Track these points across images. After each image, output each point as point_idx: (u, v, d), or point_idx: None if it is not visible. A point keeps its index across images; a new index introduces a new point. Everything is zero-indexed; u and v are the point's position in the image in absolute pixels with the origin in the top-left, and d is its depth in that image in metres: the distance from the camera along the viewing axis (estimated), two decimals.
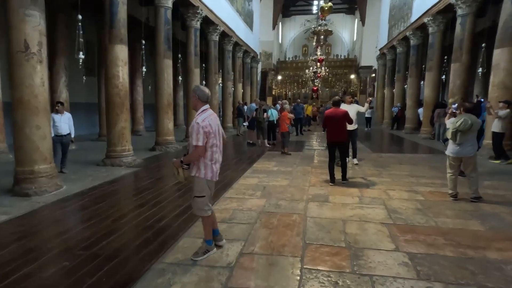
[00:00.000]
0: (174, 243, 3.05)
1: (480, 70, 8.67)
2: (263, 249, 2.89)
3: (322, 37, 11.53)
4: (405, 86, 15.30)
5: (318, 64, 16.90)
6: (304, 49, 32.18)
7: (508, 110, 6.58)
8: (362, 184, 5.20)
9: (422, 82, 13.56)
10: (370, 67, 23.65)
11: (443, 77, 10.73)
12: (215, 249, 2.86)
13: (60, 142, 6.03)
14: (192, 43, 10.98)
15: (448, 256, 2.71)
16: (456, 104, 4.79)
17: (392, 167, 6.58)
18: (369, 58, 23.43)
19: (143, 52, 8.12)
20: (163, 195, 4.72)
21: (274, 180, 5.60)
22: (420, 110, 13.19)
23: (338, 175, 5.38)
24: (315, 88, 20.50)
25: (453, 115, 4.70)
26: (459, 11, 9.19)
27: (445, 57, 10.64)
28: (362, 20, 24.31)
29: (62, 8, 8.70)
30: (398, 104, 15.40)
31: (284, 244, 2.98)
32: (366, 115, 15.53)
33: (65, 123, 6.08)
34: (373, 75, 22.92)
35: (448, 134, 4.28)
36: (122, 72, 6.86)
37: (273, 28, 26.63)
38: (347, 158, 5.66)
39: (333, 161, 5.26)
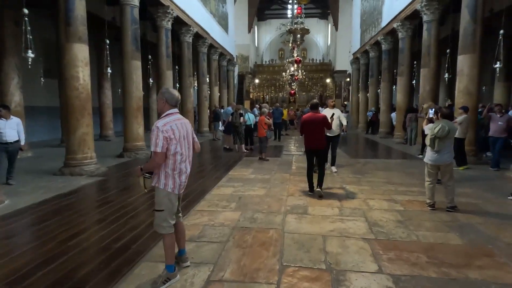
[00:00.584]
0: (130, 270, 2.63)
1: (446, 75, 8.89)
2: (234, 275, 2.55)
3: (298, 36, 11.10)
4: (379, 90, 15.61)
5: (296, 66, 16.68)
6: (280, 52, 32.33)
7: (465, 116, 6.58)
8: (342, 194, 5.00)
9: (394, 87, 13.87)
10: (345, 71, 24.09)
11: (414, 82, 10.97)
12: (178, 276, 2.48)
13: (5, 151, 5.36)
14: (163, 44, 10.48)
15: (432, 277, 2.52)
16: (433, 110, 4.70)
17: (371, 174, 6.48)
18: (343, 62, 23.85)
19: (108, 52, 7.52)
20: (125, 209, 4.24)
21: (250, 189, 5.27)
22: (393, 115, 13.46)
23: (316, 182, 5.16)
24: (292, 91, 20.45)
25: (430, 120, 4.64)
26: (425, 17, 9.43)
27: (415, 62, 10.88)
28: (335, 25, 24.76)
29: (11, 3, 7.89)
30: (373, 108, 15.68)
31: (258, 268, 2.66)
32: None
33: (11, 128, 5.40)
34: (348, 79, 23.36)
35: (427, 141, 4.17)
36: (82, 73, 6.27)
37: (249, 31, 26.46)
38: (325, 165, 5.34)
39: (311, 169, 4.96)
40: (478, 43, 7.32)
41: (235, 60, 22.66)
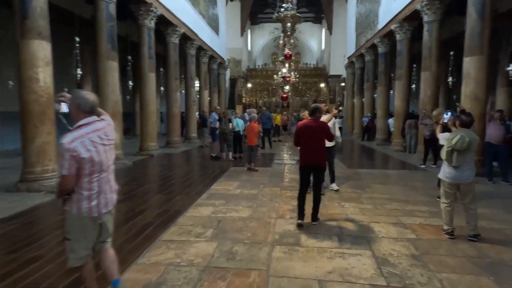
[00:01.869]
0: None
1: (450, 79, 8.29)
2: None
3: (289, 24, 9.62)
4: (375, 95, 15.03)
5: (287, 65, 15.58)
6: (273, 57, 31.70)
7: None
8: (341, 215, 4.25)
9: (391, 91, 13.30)
10: (339, 76, 23.57)
11: (413, 86, 10.38)
12: None
13: None
14: (145, 44, 9.70)
15: None
16: (449, 114, 3.99)
17: (371, 188, 5.75)
18: (337, 67, 23.34)
19: (77, 51, 6.70)
20: None
21: (233, 209, 4.49)
22: (390, 121, 12.85)
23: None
24: (284, 95, 19.69)
25: (445, 128, 3.94)
26: (425, 18, 8.86)
27: (414, 65, 10.31)
28: (329, 29, 24.30)
29: None
30: (369, 114, 15.07)
31: None
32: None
33: None
34: (342, 84, 22.82)
35: (443, 154, 3.46)
36: (43, 75, 5.46)
37: (241, 34, 25.85)
38: (322, 187, 4.22)
39: (305, 190, 3.91)
40: (486, 44, 6.72)
41: (226, 63, 21.98)
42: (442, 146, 3.83)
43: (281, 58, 16.05)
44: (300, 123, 4.00)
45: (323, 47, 29.87)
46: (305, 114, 5.11)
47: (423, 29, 9.91)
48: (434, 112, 4.93)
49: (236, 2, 24.92)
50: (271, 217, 4.18)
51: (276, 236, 3.53)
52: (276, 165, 8.52)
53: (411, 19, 10.24)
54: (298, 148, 4.08)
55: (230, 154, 9.25)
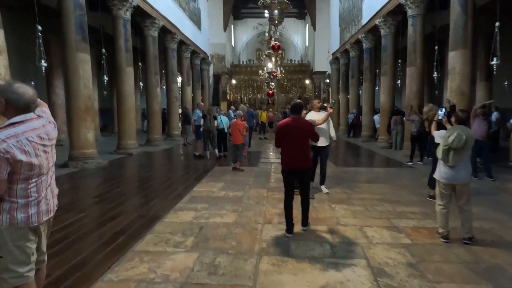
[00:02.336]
0: None
1: (435, 74, 8.23)
2: None
3: (276, 12, 8.72)
4: (360, 91, 15.00)
5: (273, 60, 14.97)
6: (258, 53, 31.37)
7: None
8: (332, 219, 3.99)
9: (377, 88, 13.26)
10: (324, 72, 23.50)
11: (398, 82, 10.33)
12: None
13: None
14: (121, 36, 9.14)
15: None
16: (443, 110, 3.80)
17: (361, 188, 5.55)
18: (322, 63, 23.26)
19: (40, 41, 6.10)
20: None
21: (217, 214, 4.15)
22: (376, 117, 12.82)
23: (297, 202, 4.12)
24: (270, 92, 19.35)
25: (439, 125, 3.75)
26: (410, 12, 8.76)
27: (399, 61, 10.25)
28: (313, 24, 24.15)
29: None
30: (354, 110, 15.02)
31: None
32: None
33: None
34: (327, 80, 22.77)
35: (439, 153, 3.25)
36: None
37: (225, 29, 25.27)
38: (310, 189, 3.84)
39: (290, 199, 3.47)
40: (470, 38, 6.67)
41: (210, 59, 21.41)
42: (437, 144, 3.64)
43: (267, 52, 15.47)
44: (281, 122, 3.59)
45: (307, 43, 29.77)
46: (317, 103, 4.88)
47: (407, 23, 9.88)
48: (425, 109, 4.77)
49: None
50: (258, 222, 3.87)
51: (264, 244, 3.23)
52: (262, 164, 8.22)
53: (395, 14, 10.14)
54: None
55: (216, 151, 8.88)
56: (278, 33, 13.49)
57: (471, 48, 6.67)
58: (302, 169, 3.43)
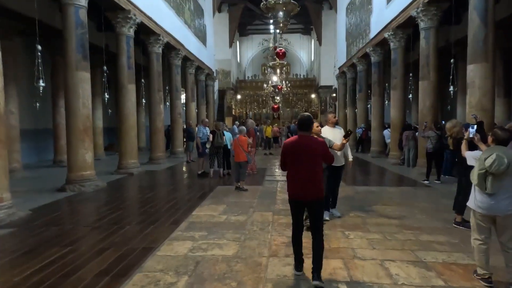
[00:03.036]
0: None
1: (451, 88, 7.80)
2: None
3: (281, 13, 7.87)
4: (368, 105, 14.59)
5: (278, 72, 14.39)
6: (263, 68, 31.47)
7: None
8: (347, 250, 3.51)
9: (386, 102, 12.86)
10: (330, 86, 23.27)
11: (410, 96, 9.92)
12: None
13: None
14: (124, 53, 8.99)
15: None
16: (475, 127, 3.33)
17: (376, 211, 5.05)
18: (328, 77, 23.08)
19: (40, 61, 5.92)
20: None
21: (216, 244, 3.70)
22: (386, 132, 12.35)
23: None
24: (275, 106, 18.99)
25: (471, 144, 3.28)
26: (422, 24, 8.45)
27: (410, 74, 9.88)
28: (319, 39, 24.15)
29: None
30: (362, 125, 14.57)
31: None
32: None
33: None
34: (334, 94, 22.48)
35: (473, 178, 2.78)
36: None
37: (230, 46, 25.46)
38: (323, 223, 3.07)
39: (299, 233, 2.93)
40: (491, 50, 6.26)
41: (215, 74, 21.39)
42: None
43: (271, 63, 15.07)
44: (288, 140, 2.98)
45: (312, 58, 29.78)
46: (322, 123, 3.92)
47: (419, 36, 9.56)
48: (449, 125, 4.33)
49: (224, 13, 24.65)
50: (262, 255, 3.41)
51: (269, 285, 2.76)
52: (267, 182, 7.78)
53: (405, 27, 9.87)
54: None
55: (221, 170, 8.49)
56: (282, 38, 13.05)
57: (493, 61, 6.26)
58: (313, 199, 2.80)
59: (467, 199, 4.28)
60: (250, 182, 7.57)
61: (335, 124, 4.50)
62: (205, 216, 4.87)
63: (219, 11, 23.78)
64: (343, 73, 18.00)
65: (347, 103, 17.28)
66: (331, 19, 22.26)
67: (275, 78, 15.04)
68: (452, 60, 7.62)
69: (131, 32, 9.07)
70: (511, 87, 9.93)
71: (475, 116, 4.38)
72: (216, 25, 22.23)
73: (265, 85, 19.24)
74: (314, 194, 2.79)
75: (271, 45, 14.24)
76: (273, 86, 15.47)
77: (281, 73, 15.05)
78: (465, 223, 4.19)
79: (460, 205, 4.29)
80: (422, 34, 8.47)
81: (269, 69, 17.94)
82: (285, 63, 14.88)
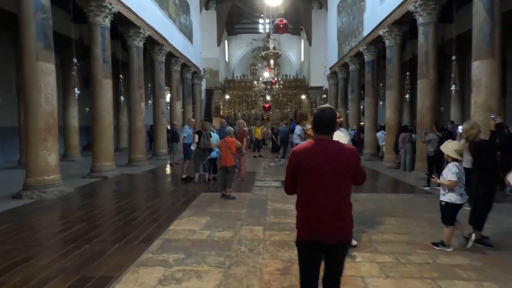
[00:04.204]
0: None
1: (453, 87, 7.34)
2: None
3: (272, 61, 7.73)
4: (361, 106, 14.14)
5: (272, 63, 13.32)
6: (252, 68, 30.86)
7: None
8: (356, 279, 2.84)
9: (380, 103, 12.42)
10: (320, 87, 22.83)
11: (407, 96, 9.46)
12: None
13: None
14: (98, 45, 8.13)
15: None
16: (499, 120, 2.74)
17: (381, 224, 4.42)
18: (318, 78, 22.62)
19: None
20: None
21: (193, 272, 2.98)
22: (379, 134, 11.87)
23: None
24: (267, 105, 18.03)
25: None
26: (420, 20, 7.96)
27: (407, 73, 9.42)
28: (309, 40, 23.70)
29: None
30: (354, 126, 14.10)
31: None
32: None
33: None
34: (324, 95, 22.03)
35: None
36: None
37: (218, 44, 24.68)
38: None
39: None
40: (498, 46, 5.79)
41: (202, 73, 20.56)
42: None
43: (263, 53, 13.90)
44: (300, 147, 1.94)
45: (302, 58, 29.35)
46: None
47: (411, 35, 9.14)
48: (465, 126, 3.75)
49: (212, 10, 23.87)
50: (252, 285, 2.71)
51: None
52: (257, 188, 7.09)
53: (401, 23, 9.41)
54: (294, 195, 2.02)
55: (206, 175, 7.75)
56: (272, 39, 12.46)
57: (500, 58, 5.79)
58: (338, 242, 1.83)
59: (485, 212, 3.73)
60: (237, 188, 6.87)
61: (339, 125, 3.50)
62: (183, 231, 4.12)
63: (207, 8, 23.01)
64: (334, 73, 17.54)
65: (338, 104, 16.80)
66: (321, 18, 21.85)
67: (266, 74, 14.21)
68: (453, 57, 7.14)
69: (107, 22, 8.21)
70: (506, 85, 9.60)
71: (494, 117, 3.83)
72: (204, 22, 21.43)
73: (255, 82, 18.33)
74: (340, 233, 1.82)
75: (266, 32, 13.31)
76: (264, 83, 14.60)
77: (275, 64, 13.94)
78: (484, 240, 3.63)
79: (478, 219, 3.72)
80: (421, 30, 7.99)
81: (259, 65, 17.04)
82: (279, 52, 13.89)
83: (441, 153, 6.72)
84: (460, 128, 5.85)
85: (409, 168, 9.13)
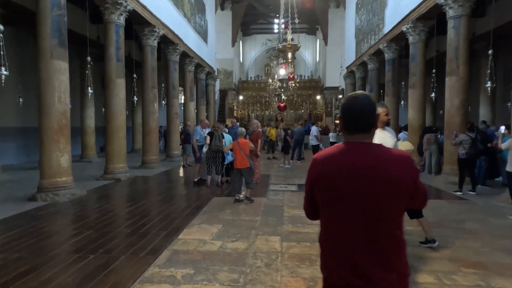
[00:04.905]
0: None
1: (489, 84, 6.70)
2: None
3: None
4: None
5: (290, 56, 12.54)
6: (266, 68, 30.50)
7: None
8: None
9: (402, 102, 11.78)
10: (336, 88, 22.18)
11: (432, 95, 8.85)
12: None
13: None
14: (112, 44, 8.00)
15: None
16: None
17: (414, 235, 3.94)
18: (334, 78, 22.01)
19: (1, 43, 4.94)
20: None
21: None
22: (401, 135, 11.22)
23: None
24: (282, 104, 17.46)
25: None
26: (450, 12, 7.35)
27: (433, 71, 8.80)
28: (325, 39, 23.10)
29: None
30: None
31: None
32: (330, 141, 13.28)
33: None
34: (340, 96, 21.39)
35: None
36: None
37: (233, 45, 24.49)
38: None
39: None
40: None
41: (216, 74, 20.39)
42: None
43: (281, 45, 12.90)
44: (324, 154, 1.27)
45: (317, 58, 28.75)
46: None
47: (439, 29, 8.54)
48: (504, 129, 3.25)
49: (227, 11, 23.72)
50: None
51: None
52: (272, 192, 6.70)
53: (427, 18, 8.81)
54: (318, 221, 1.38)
55: (219, 178, 7.44)
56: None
57: None
58: None
59: None
60: (250, 192, 6.50)
61: (386, 124, 2.84)
62: (194, 241, 3.80)
63: (222, 8, 22.86)
64: (351, 72, 16.94)
65: None
66: (337, 17, 21.25)
67: (282, 72, 13.69)
68: (490, 51, 6.52)
69: (121, 20, 8.07)
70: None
71: None
72: (219, 22, 21.27)
73: (270, 80, 17.79)
74: (381, 281, 1.14)
75: (282, 24, 12.61)
76: (280, 80, 14.07)
77: (293, 57, 13.17)
78: None
79: None
80: (451, 24, 7.39)
81: (274, 63, 16.50)
82: (298, 44, 13.23)
83: (474, 156, 6.22)
84: (502, 128, 5.29)
85: (435, 171, 8.53)
